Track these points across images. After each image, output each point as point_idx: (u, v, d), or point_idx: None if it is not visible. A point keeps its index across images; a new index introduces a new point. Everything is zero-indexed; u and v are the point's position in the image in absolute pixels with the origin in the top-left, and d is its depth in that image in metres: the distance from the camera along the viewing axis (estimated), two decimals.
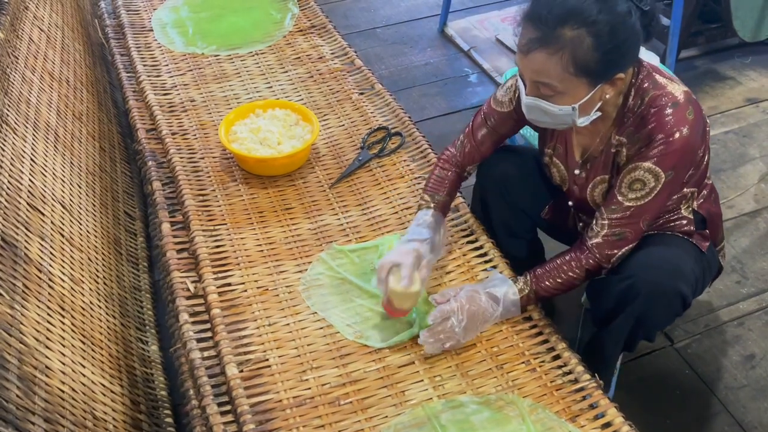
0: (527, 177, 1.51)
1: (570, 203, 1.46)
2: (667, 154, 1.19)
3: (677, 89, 1.23)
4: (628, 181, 1.23)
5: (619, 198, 1.25)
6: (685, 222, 1.37)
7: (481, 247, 1.50)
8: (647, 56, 1.98)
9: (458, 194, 1.62)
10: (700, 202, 1.38)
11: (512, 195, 1.51)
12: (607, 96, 1.22)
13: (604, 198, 1.34)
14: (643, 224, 1.26)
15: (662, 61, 2.39)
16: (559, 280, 1.30)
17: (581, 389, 1.23)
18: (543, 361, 1.28)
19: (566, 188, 1.44)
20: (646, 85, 1.23)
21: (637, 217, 1.25)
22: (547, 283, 1.31)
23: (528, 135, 2.10)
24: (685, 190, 1.34)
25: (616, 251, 1.27)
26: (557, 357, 1.28)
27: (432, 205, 1.42)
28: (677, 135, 1.19)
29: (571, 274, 1.30)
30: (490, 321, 1.30)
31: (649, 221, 1.27)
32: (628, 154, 1.26)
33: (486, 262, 1.47)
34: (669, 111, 1.20)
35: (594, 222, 1.29)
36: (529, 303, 1.33)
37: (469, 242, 1.52)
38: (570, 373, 1.26)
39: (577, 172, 1.38)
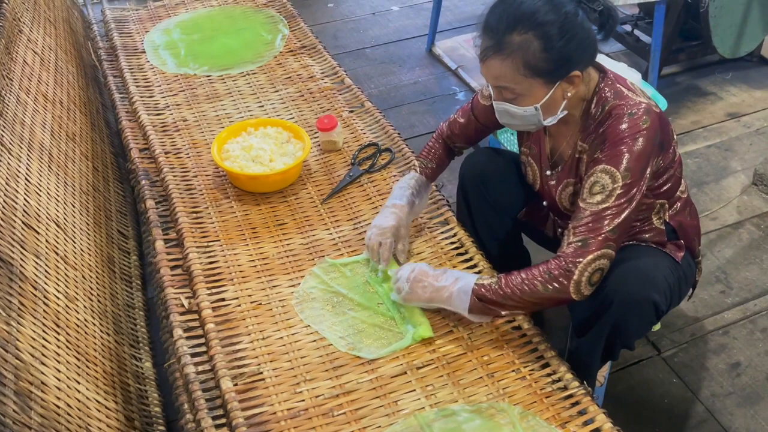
0: (506, 177, 1.58)
1: (545, 203, 1.51)
2: (618, 154, 1.24)
3: (638, 101, 1.27)
4: (588, 186, 1.27)
5: (581, 205, 1.27)
6: (655, 233, 1.40)
7: (467, 255, 1.53)
8: (629, 74, 2.03)
9: (447, 208, 1.65)
10: (672, 215, 1.41)
11: (491, 193, 1.57)
12: (569, 94, 1.28)
13: (571, 203, 1.40)
14: (608, 232, 1.23)
15: (644, 78, 2.45)
16: (523, 276, 1.25)
17: (570, 396, 1.25)
18: (533, 370, 1.30)
19: (538, 188, 1.50)
20: (608, 94, 1.30)
21: (598, 222, 1.23)
22: (512, 282, 1.26)
23: (505, 140, 2.15)
24: (655, 201, 1.37)
25: (580, 259, 1.22)
26: (546, 365, 1.31)
27: (418, 169, 1.61)
28: (628, 140, 1.24)
29: (538, 278, 1.25)
30: (434, 298, 1.33)
31: (614, 229, 1.23)
32: (588, 160, 1.31)
33: (471, 267, 1.50)
34: (624, 119, 1.26)
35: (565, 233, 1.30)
36: (487, 294, 1.27)
37: (454, 247, 1.55)
38: (559, 380, 1.28)
39: (548, 173, 1.44)
